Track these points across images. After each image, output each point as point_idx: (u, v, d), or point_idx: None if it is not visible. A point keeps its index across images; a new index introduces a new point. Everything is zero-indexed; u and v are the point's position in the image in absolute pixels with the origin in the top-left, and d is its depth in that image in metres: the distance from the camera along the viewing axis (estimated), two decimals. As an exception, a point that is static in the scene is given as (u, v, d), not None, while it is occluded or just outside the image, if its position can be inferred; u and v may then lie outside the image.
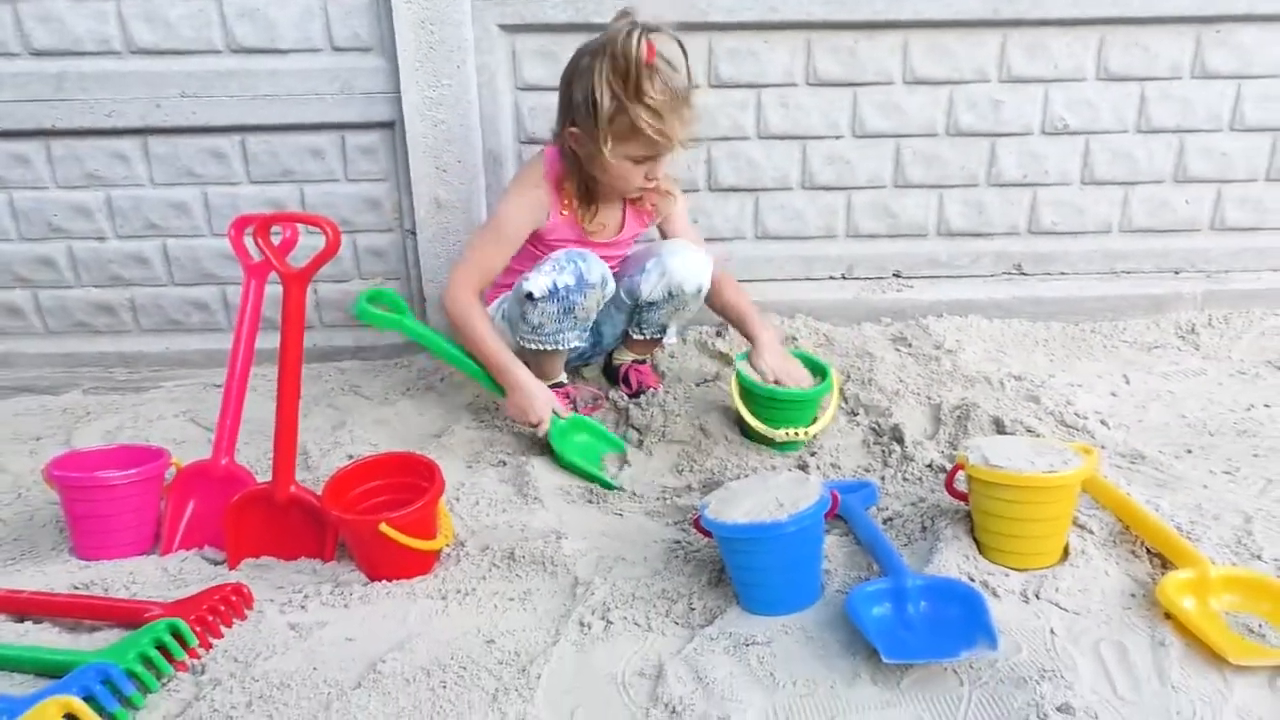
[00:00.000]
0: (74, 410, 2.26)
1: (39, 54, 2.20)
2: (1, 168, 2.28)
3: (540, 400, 1.87)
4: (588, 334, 2.03)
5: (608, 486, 1.77)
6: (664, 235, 2.12)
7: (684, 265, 1.97)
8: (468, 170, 2.28)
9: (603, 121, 1.76)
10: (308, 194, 2.35)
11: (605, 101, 1.74)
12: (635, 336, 2.15)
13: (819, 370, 1.95)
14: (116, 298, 2.42)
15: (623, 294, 2.04)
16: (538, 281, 1.86)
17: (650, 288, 2.00)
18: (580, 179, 1.93)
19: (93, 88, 2.22)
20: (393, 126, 2.29)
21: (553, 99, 2.24)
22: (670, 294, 2.00)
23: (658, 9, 2.11)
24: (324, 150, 2.31)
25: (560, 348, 1.97)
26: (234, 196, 2.34)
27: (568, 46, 2.18)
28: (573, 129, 1.84)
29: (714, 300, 2.08)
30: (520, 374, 1.89)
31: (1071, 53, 2.30)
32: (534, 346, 1.95)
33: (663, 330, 2.15)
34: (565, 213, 1.97)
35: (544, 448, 1.89)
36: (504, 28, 2.22)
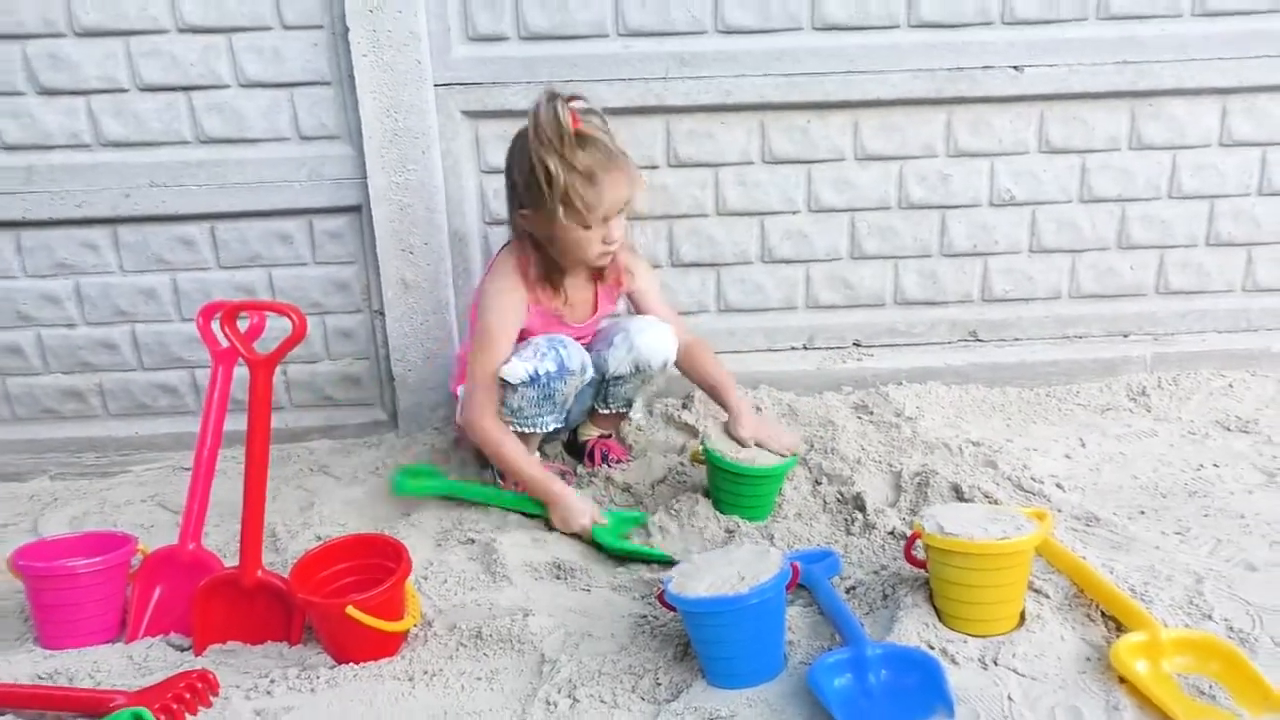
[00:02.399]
0: (40, 496, 2.24)
1: (10, 148, 2.24)
2: (-29, 259, 2.31)
3: (579, 509, 1.88)
4: (564, 416, 2.05)
5: (664, 560, 1.78)
6: (636, 310, 2.14)
7: (650, 342, 2.00)
8: (434, 252, 2.33)
9: (547, 194, 1.79)
10: (276, 278, 2.38)
11: (543, 173, 1.78)
12: (601, 411, 2.18)
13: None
14: (85, 383, 2.42)
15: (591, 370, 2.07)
16: (517, 369, 1.88)
17: (617, 363, 2.03)
18: (542, 263, 1.96)
19: (63, 179, 2.25)
20: (359, 210, 2.33)
21: (515, 182, 2.32)
22: (637, 368, 2.04)
23: (616, 93, 2.22)
24: (292, 235, 2.35)
25: (538, 430, 1.99)
26: (203, 282, 2.36)
27: (529, 132, 2.27)
28: (523, 211, 1.88)
29: (690, 370, 2.10)
30: (557, 488, 1.91)
31: (1014, 128, 2.39)
32: (512, 428, 1.97)
33: (629, 404, 2.19)
34: (538, 304, 2.00)
35: (517, 524, 1.92)
36: (467, 114, 2.28)
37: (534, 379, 1.88)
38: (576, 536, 1.89)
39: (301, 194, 2.30)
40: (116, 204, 2.27)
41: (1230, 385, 2.43)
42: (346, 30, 2.16)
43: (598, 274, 2.06)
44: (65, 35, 2.17)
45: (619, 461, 2.17)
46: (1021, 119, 2.39)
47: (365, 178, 2.28)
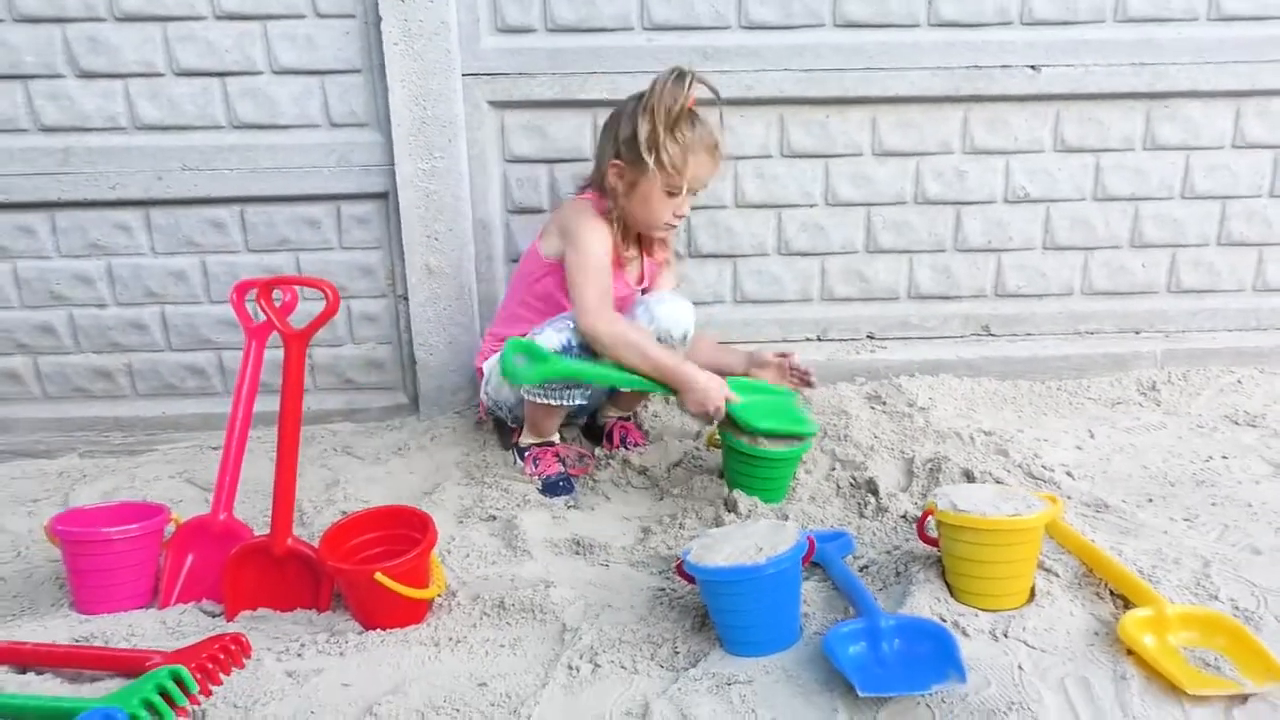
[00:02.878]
0: (70, 473, 2.30)
1: (47, 130, 2.29)
2: (6, 238, 2.36)
3: (714, 391, 1.91)
4: (589, 393, 2.09)
5: (807, 433, 1.93)
6: (664, 283, 2.26)
7: (670, 312, 2.05)
8: (458, 239, 2.38)
9: (645, 151, 1.93)
10: (303, 261, 2.43)
11: (648, 133, 1.93)
12: (623, 389, 2.21)
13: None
14: (114, 363, 2.47)
15: None
16: (551, 338, 1.95)
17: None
18: (617, 214, 2.06)
19: (98, 161, 2.31)
20: (386, 197, 2.38)
21: (539, 171, 2.39)
22: (657, 339, 2.07)
23: (638, 86, 2.24)
24: (320, 220, 2.40)
25: (565, 404, 2.03)
26: (232, 264, 2.41)
27: (553, 122, 2.33)
28: (616, 161, 1.99)
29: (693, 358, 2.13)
30: (688, 371, 1.93)
31: (1030, 126, 2.43)
32: (540, 401, 2.01)
33: None
34: (614, 259, 2.09)
35: (536, 504, 1.96)
36: (493, 104, 2.34)
37: (566, 348, 1.94)
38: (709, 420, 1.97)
39: (330, 180, 2.35)
40: (150, 186, 2.33)
41: (1239, 381, 2.46)
42: (379, 19, 2.22)
43: (647, 249, 2.20)
44: (105, 19, 2.23)
45: (636, 445, 2.21)
46: (1038, 118, 2.43)
47: (393, 165, 2.33)
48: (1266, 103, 2.43)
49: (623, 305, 2.11)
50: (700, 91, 1.98)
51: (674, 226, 2.10)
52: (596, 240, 2.03)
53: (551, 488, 2.04)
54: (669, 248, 2.29)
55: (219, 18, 2.25)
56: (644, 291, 2.20)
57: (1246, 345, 2.55)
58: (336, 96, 2.32)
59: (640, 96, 1.97)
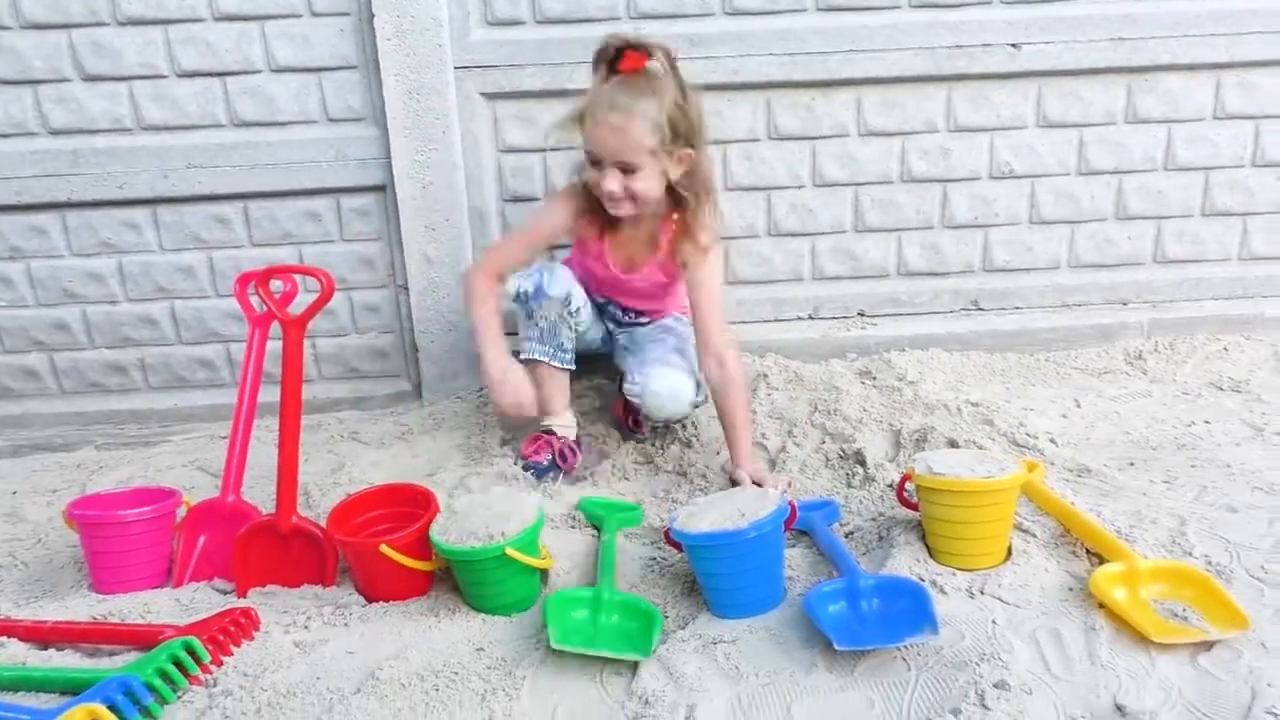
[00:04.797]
0: (87, 465, 2.37)
1: (56, 133, 2.37)
2: (20, 239, 2.44)
3: (499, 392, 1.94)
4: (567, 357, 2.10)
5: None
6: (690, 298, 2.05)
7: (655, 400, 2.00)
8: (455, 228, 2.44)
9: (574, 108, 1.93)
10: (306, 254, 2.49)
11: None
12: None
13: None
14: (127, 358, 2.55)
15: (619, 361, 2.20)
16: (511, 283, 2.05)
17: (631, 394, 2.06)
18: (591, 196, 1.99)
19: (106, 162, 2.38)
20: (384, 190, 2.45)
21: (532, 160, 2.44)
22: (645, 415, 2.10)
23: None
24: (320, 213, 2.46)
25: (534, 357, 2.06)
26: (237, 259, 2.48)
27: (544, 112, 2.39)
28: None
29: (717, 404, 2.02)
30: (488, 357, 1.96)
31: (1012, 103, 2.47)
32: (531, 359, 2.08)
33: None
34: (596, 235, 2.07)
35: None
36: (485, 95, 2.39)
37: (517, 295, 2.03)
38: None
39: (329, 174, 2.42)
40: (156, 185, 2.40)
41: (1225, 349, 2.50)
42: (372, 16, 2.28)
43: (654, 245, 2.07)
44: (108, 24, 2.30)
45: (638, 427, 2.26)
46: (1020, 94, 2.47)
47: (389, 158, 2.39)
48: (1245, 74, 2.46)
49: (602, 285, 2.16)
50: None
51: (615, 201, 1.92)
52: (541, 213, 2.14)
53: (535, 470, 2.06)
54: (691, 240, 2.00)
55: (218, 19, 2.31)
56: (665, 274, 2.12)
57: (1232, 313, 2.59)
58: (333, 93, 2.38)
59: None
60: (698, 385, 2.04)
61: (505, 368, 1.96)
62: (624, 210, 1.95)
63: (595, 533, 1.79)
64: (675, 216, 2.01)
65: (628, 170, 1.88)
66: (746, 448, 1.98)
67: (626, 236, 2.08)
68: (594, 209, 2.01)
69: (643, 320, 2.24)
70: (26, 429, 2.54)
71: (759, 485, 1.86)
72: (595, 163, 1.91)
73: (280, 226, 2.46)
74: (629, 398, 2.07)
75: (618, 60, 1.87)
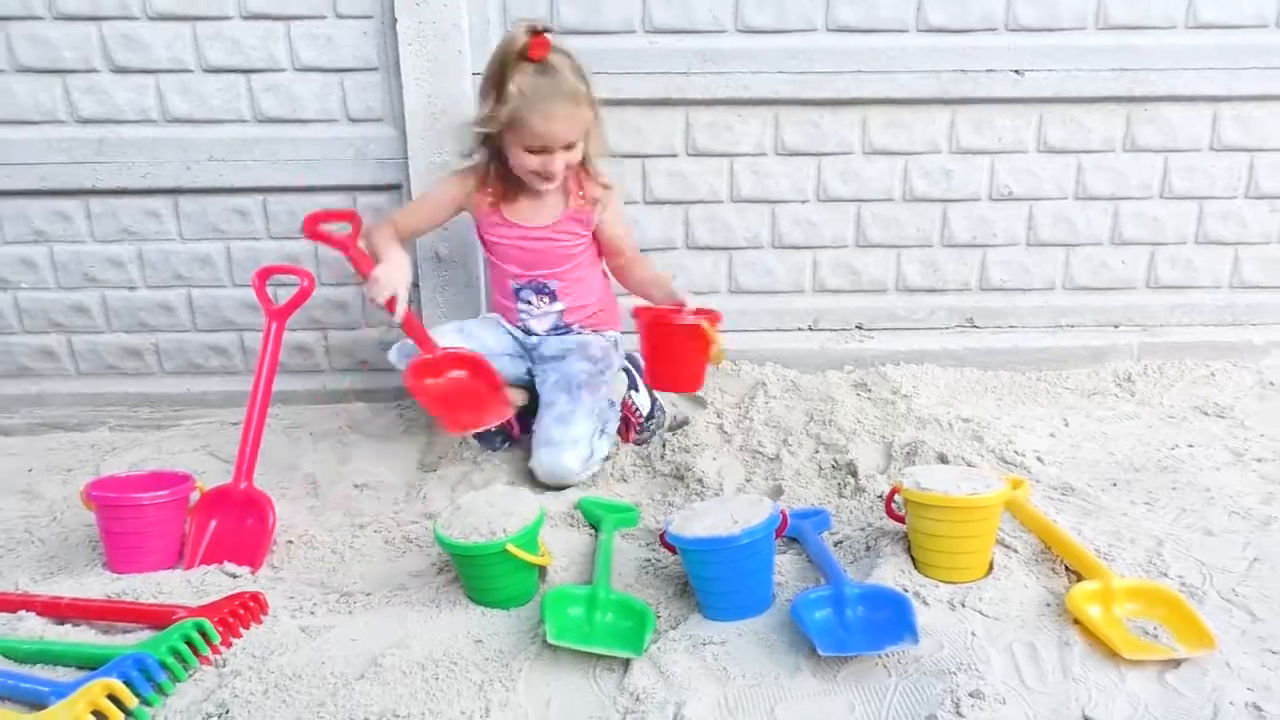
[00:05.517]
0: (101, 445, 2.43)
1: (84, 121, 2.42)
2: (44, 223, 2.50)
3: (381, 284, 2.00)
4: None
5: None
6: (599, 240, 2.25)
7: (547, 481, 2.08)
8: (466, 229, 2.49)
9: (496, 106, 1.98)
10: (321, 249, 2.54)
11: (496, 84, 1.97)
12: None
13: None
14: (143, 342, 2.61)
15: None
16: (442, 338, 2.14)
17: (532, 461, 2.12)
18: (499, 167, 2.13)
19: (131, 152, 2.44)
20: (400, 188, 2.50)
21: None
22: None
23: (640, 86, 2.37)
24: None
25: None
26: (254, 250, 2.54)
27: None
28: (481, 116, 2.05)
29: (627, 283, 2.30)
30: (380, 262, 2.05)
31: (1014, 128, 2.52)
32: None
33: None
34: (491, 203, 2.18)
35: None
36: (501, 102, 2.45)
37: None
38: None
39: (348, 171, 2.48)
40: (179, 176, 2.46)
41: (1212, 374, 2.56)
42: (395, 20, 2.34)
43: (573, 184, 2.18)
44: (139, 18, 2.36)
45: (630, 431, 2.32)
46: (1021, 120, 2.52)
47: (406, 158, 2.45)
48: (1242, 107, 2.51)
49: (513, 258, 2.22)
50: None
51: (549, 180, 2.08)
52: (437, 185, 2.26)
53: (483, 439, 2.24)
54: (595, 183, 2.20)
55: (245, 18, 2.37)
56: (581, 224, 2.21)
57: (1221, 340, 2.64)
58: (354, 93, 2.44)
59: (498, 45, 2.02)
60: (593, 446, 2.11)
61: (394, 270, 2.04)
62: (556, 184, 2.11)
63: (593, 532, 1.85)
64: (578, 168, 2.15)
65: (569, 148, 2.04)
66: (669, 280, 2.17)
67: (525, 204, 2.19)
68: (490, 185, 2.16)
69: (560, 326, 2.29)
70: (43, 408, 2.61)
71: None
72: (539, 150, 2.02)
73: (298, 220, 2.51)
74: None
75: (528, 49, 1.94)
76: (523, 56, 1.95)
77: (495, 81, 1.98)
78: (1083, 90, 2.48)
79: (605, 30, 2.41)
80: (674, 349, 2.01)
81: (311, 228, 2.01)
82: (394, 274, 2.03)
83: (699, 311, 1.99)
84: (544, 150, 2.02)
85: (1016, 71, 2.46)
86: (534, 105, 1.96)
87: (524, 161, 2.05)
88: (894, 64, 2.44)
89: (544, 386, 2.21)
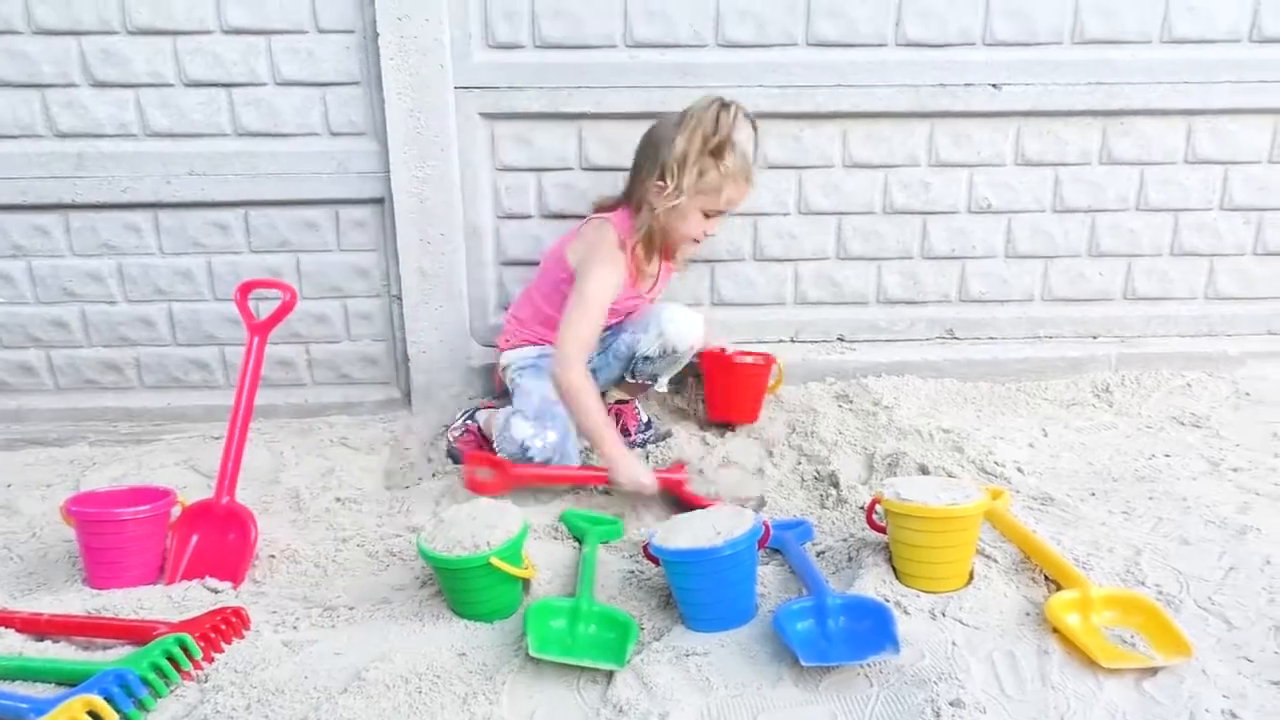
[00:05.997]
0: (80, 460, 2.41)
1: (63, 135, 2.42)
2: (23, 238, 2.49)
3: (639, 468, 2.05)
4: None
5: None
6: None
7: (678, 330, 2.24)
8: (450, 243, 2.50)
9: (690, 175, 2.09)
10: (303, 263, 2.55)
11: (696, 159, 2.08)
12: (629, 380, 2.36)
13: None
14: (123, 357, 2.60)
15: (623, 346, 2.27)
16: (520, 431, 2.12)
17: (648, 345, 2.24)
18: (649, 232, 2.20)
19: (110, 166, 2.43)
20: (382, 203, 2.51)
21: (527, 179, 2.50)
22: (664, 352, 2.24)
23: (621, 100, 2.38)
24: (319, 223, 2.52)
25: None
26: (235, 264, 2.54)
27: (541, 133, 2.45)
28: (659, 183, 2.12)
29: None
30: (615, 451, 2.05)
31: (992, 141, 2.55)
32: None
33: (654, 378, 2.37)
34: (629, 273, 2.24)
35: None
36: (484, 115, 2.45)
37: (521, 445, 2.11)
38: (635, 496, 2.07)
39: (329, 185, 2.48)
40: (159, 190, 2.45)
41: (1189, 385, 2.59)
42: (377, 35, 2.34)
43: (668, 257, 2.35)
44: (118, 32, 2.36)
45: (631, 428, 2.35)
46: (999, 133, 2.55)
47: (388, 172, 2.45)
48: (1216, 120, 2.55)
49: (634, 311, 2.29)
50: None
51: (700, 241, 2.26)
52: (607, 278, 2.15)
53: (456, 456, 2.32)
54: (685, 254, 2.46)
55: (226, 32, 2.37)
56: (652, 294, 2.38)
57: (1197, 350, 2.67)
58: (336, 107, 2.44)
59: (678, 124, 2.10)
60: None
61: (631, 464, 2.05)
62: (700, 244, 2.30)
63: (577, 545, 1.85)
64: None
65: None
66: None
67: (652, 268, 2.33)
68: (645, 242, 2.22)
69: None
70: (21, 423, 2.59)
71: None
72: (714, 214, 2.18)
73: (279, 234, 2.52)
74: (640, 350, 2.27)
75: (736, 128, 2.13)
76: (728, 136, 2.10)
77: (714, 151, 2.10)
78: (1059, 104, 2.51)
79: (587, 45, 2.43)
80: (733, 386, 2.37)
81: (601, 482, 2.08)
82: (639, 468, 2.06)
83: (757, 355, 2.38)
84: (720, 213, 2.19)
85: (994, 85, 2.49)
86: (738, 174, 2.15)
87: (695, 227, 2.19)
88: (873, 78, 2.47)
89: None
